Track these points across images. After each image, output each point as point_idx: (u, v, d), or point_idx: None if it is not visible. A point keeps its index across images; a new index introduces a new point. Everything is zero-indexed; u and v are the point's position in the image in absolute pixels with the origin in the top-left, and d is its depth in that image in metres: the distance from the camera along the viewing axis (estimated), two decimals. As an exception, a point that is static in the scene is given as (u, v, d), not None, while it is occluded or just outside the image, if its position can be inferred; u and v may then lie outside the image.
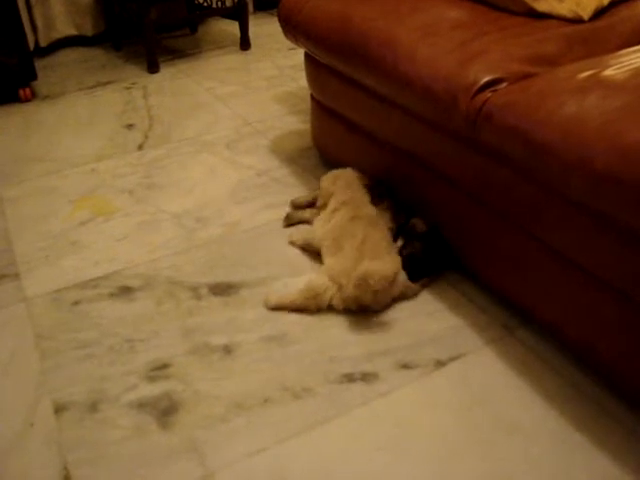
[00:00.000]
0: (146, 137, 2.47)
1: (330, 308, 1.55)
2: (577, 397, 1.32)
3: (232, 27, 3.58)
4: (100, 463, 1.23)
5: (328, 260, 1.61)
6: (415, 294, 1.60)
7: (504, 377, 1.38)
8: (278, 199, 2.02)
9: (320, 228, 1.72)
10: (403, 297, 1.58)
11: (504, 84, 1.35)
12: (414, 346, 1.46)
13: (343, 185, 1.77)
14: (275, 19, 2.06)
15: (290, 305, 1.56)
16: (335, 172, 1.84)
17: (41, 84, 2.99)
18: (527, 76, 1.36)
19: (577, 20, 1.53)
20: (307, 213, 1.87)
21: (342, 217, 1.67)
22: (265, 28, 3.64)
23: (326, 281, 1.54)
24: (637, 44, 1.43)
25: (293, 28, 1.92)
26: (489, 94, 1.33)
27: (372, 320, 1.54)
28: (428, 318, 1.54)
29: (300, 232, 1.81)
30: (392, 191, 1.79)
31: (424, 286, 1.62)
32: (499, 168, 1.37)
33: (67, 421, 1.32)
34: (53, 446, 1.27)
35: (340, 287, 1.52)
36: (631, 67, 1.25)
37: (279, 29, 2.02)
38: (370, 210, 1.69)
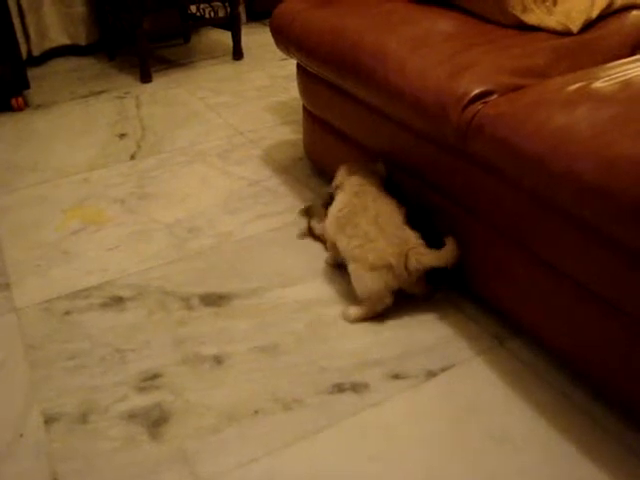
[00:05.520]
0: (138, 147, 2.47)
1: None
2: (567, 407, 1.33)
3: (225, 37, 3.59)
4: (90, 474, 1.23)
5: (350, 243, 1.55)
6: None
7: (494, 387, 1.38)
8: (270, 209, 2.03)
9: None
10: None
11: (494, 96, 1.36)
12: (405, 356, 1.46)
13: (349, 171, 1.72)
14: (268, 29, 2.07)
15: (370, 313, 1.55)
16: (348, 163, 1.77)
17: (34, 93, 2.99)
18: (517, 88, 1.37)
19: (566, 33, 1.54)
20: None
21: (346, 193, 1.64)
22: (258, 38, 3.65)
23: (377, 279, 1.50)
24: (625, 56, 1.44)
25: (285, 39, 1.93)
26: (480, 106, 1.34)
27: (362, 330, 1.54)
28: (419, 328, 1.54)
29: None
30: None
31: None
32: (489, 179, 1.38)
33: (57, 432, 1.31)
34: (43, 457, 1.26)
35: (390, 267, 1.48)
36: (619, 79, 1.27)
37: (271, 39, 2.03)
38: (375, 187, 1.63)
